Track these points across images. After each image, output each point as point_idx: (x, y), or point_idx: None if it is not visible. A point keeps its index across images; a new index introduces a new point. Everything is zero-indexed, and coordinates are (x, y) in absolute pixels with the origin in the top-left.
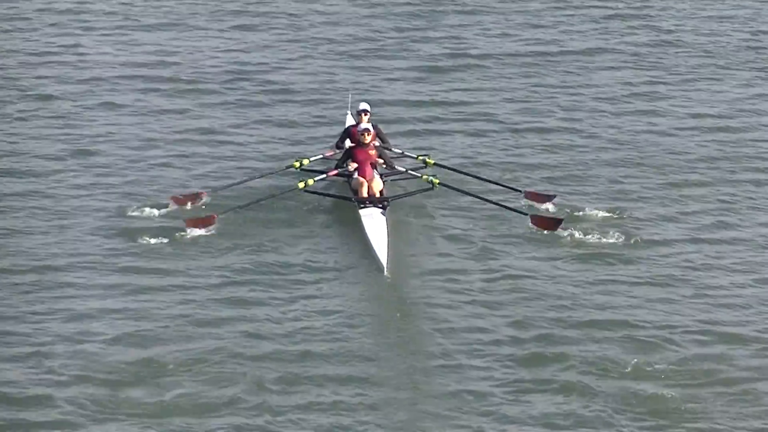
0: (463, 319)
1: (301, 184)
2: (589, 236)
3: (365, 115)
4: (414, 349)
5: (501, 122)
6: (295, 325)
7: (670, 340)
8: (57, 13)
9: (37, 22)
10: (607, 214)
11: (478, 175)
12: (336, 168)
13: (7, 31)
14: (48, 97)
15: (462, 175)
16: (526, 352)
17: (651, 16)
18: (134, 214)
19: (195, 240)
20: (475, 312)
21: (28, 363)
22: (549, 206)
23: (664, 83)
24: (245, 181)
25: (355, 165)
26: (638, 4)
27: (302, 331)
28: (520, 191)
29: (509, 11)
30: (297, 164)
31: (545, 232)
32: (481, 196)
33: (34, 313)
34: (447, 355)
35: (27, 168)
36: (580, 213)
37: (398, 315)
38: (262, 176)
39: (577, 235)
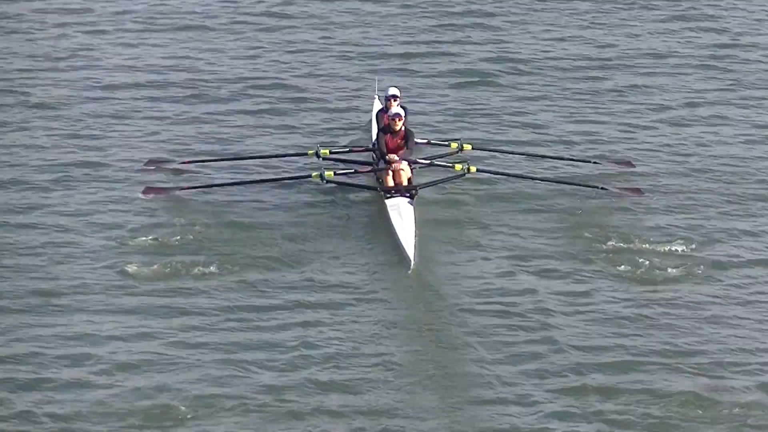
0: (499, 330)
1: (315, 174)
2: (652, 254)
3: (395, 100)
4: (443, 370)
5: (549, 132)
6: (316, 334)
7: (742, 370)
8: (67, 13)
9: (47, 27)
10: (671, 231)
11: (535, 153)
12: (367, 154)
13: (8, 33)
14: (56, 106)
15: (508, 155)
16: (579, 378)
17: (716, 17)
18: (146, 234)
19: (212, 254)
20: (514, 323)
21: (30, 389)
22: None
23: (731, 90)
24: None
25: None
26: (702, 5)
27: (323, 342)
28: (596, 162)
29: (558, 12)
30: (311, 152)
31: (630, 198)
32: (538, 177)
33: (37, 337)
34: (481, 376)
35: (32, 182)
36: (643, 227)
37: (426, 324)
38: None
39: (637, 250)
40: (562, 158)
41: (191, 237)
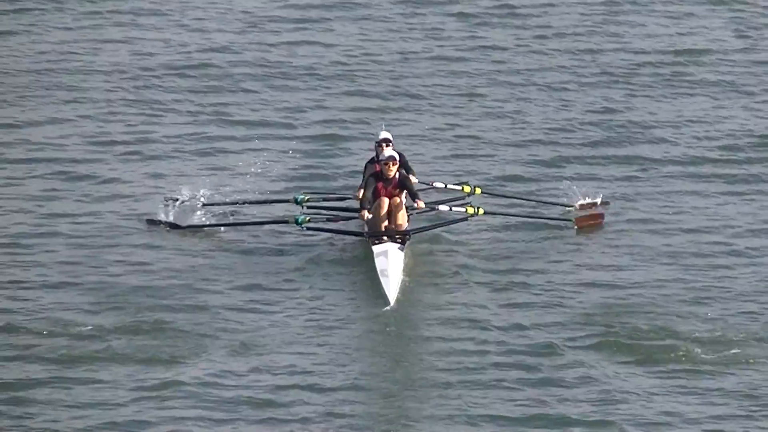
0: (468, 360)
1: (291, 220)
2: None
3: (387, 145)
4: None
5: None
6: (279, 362)
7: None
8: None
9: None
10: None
11: (523, 197)
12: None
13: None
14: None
15: (507, 199)
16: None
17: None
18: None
19: (195, 269)
20: (494, 355)
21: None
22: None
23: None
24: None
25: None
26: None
27: (288, 371)
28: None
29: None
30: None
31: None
32: (522, 215)
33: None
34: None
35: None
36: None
37: (404, 364)
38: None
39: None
40: (545, 202)
41: (170, 276)
